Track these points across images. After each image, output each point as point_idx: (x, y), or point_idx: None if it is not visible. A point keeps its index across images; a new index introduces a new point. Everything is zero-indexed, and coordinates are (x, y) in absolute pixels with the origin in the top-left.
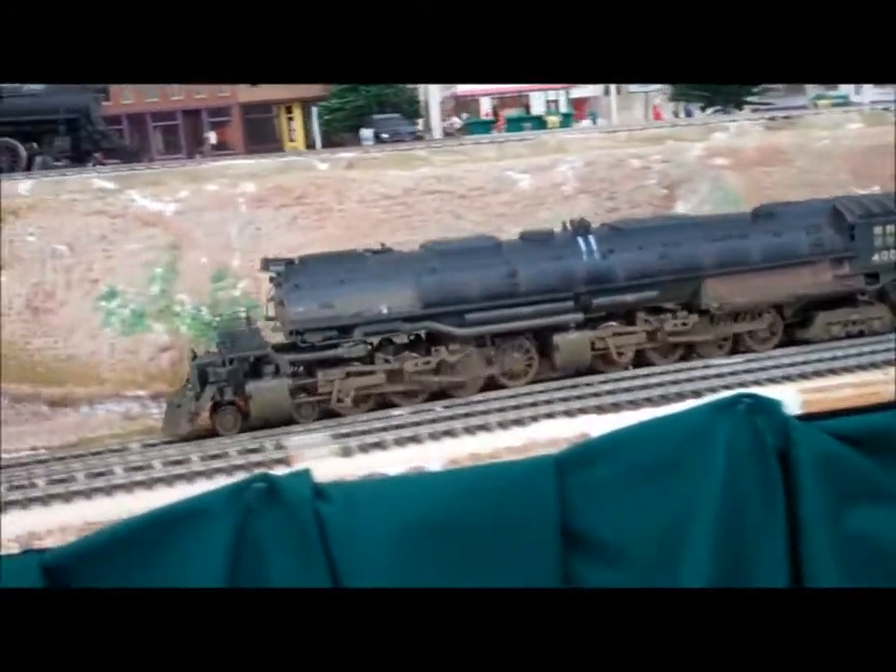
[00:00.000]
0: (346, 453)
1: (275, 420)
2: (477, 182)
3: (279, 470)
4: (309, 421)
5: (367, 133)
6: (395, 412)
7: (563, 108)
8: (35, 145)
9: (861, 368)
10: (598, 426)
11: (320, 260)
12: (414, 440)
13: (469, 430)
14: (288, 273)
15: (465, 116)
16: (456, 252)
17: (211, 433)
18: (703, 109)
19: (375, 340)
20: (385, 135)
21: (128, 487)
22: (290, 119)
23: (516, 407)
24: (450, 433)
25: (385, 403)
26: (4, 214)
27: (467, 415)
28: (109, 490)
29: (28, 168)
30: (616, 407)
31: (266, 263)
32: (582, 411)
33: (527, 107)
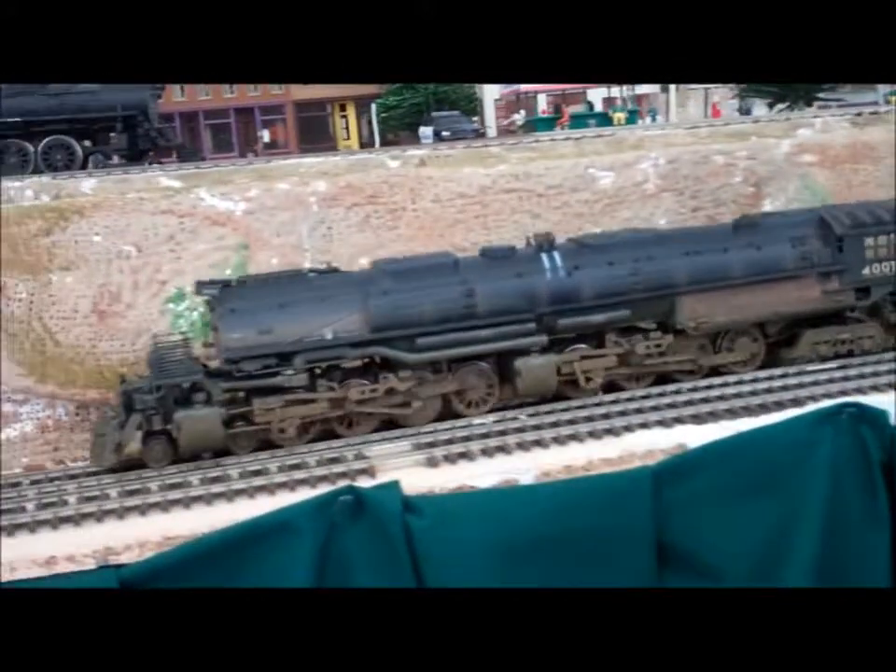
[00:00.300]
0: (432, 463)
1: (208, 451)
2: (555, 180)
3: (363, 482)
4: (246, 452)
5: (426, 130)
6: (477, 420)
7: (621, 104)
8: (89, 142)
9: None
10: (695, 436)
11: (259, 282)
12: (503, 450)
13: (560, 440)
14: (224, 296)
15: (522, 113)
16: (409, 271)
17: (141, 464)
18: (770, 106)
19: (320, 366)
20: (445, 133)
21: (206, 499)
22: (344, 116)
23: (606, 416)
24: (539, 443)
25: (329, 433)
26: (68, 213)
27: (554, 425)
28: (187, 502)
29: (83, 166)
30: (713, 416)
31: (199, 286)
32: (678, 420)
33: (591, 104)
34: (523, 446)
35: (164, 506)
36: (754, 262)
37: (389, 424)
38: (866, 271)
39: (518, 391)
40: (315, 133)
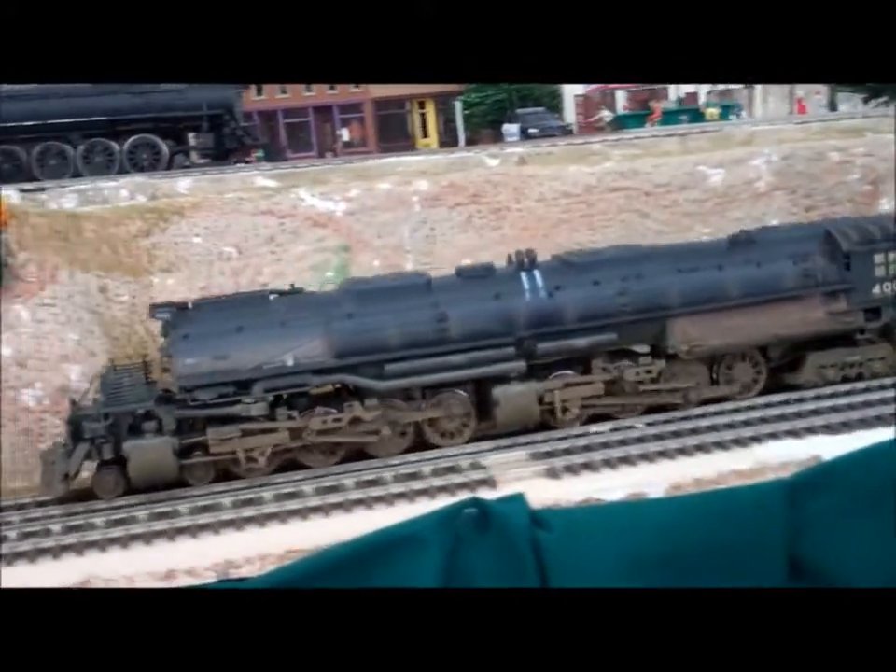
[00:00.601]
0: (552, 474)
1: (160, 483)
2: (663, 178)
3: (484, 493)
4: (203, 483)
5: (512, 128)
6: (593, 428)
7: (711, 99)
8: (173, 142)
9: None
10: (830, 447)
11: (216, 305)
12: (627, 461)
13: (686, 451)
14: (177, 320)
15: (603, 109)
16: (376, 292)
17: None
18: (866, 101)
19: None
20: (533, 130)
21: (324, 510)
22: (423, 114)
23: (730, 426)
24: (665, 454)
25: (294, 463)
26: (167, 213)
27: (676, 434)
28: (305, 513)
29: (169, 166)
30: (846, 426)
31: (153, 310)
32: (810, 430)
33: (681, 100)
34: (647, 457)
35: (282, 517)
36: (752, 281)
37: (360, 453)
38: (876, 290)
39: (497, 421)
40: (393, 131)
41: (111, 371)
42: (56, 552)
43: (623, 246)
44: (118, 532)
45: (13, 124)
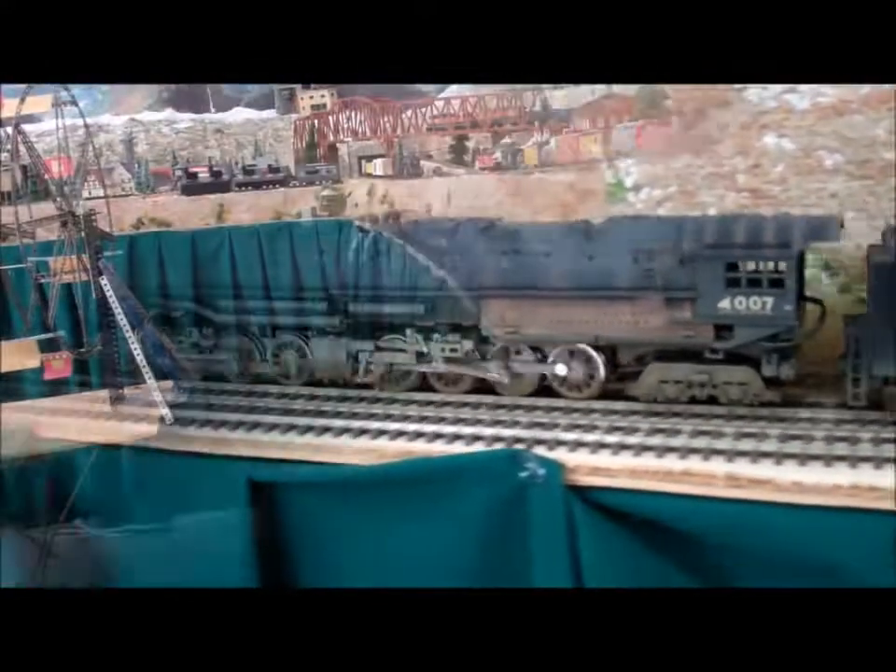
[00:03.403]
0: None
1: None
2: None
3: None
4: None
5: None
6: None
7: None
8: None
9: None
10: None
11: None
12: None
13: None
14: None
15: None
16: (237, 236)
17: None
18: None
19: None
20: None
21: None
22: None
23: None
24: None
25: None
26: None
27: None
28: None
29: None
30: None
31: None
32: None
33: None
34: None
35: None
36: (580, 273)
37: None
38: (724, 303)
39: (314, 371)
40: None
41: None
42: None
43: (472, 220)
44: None
45: None
